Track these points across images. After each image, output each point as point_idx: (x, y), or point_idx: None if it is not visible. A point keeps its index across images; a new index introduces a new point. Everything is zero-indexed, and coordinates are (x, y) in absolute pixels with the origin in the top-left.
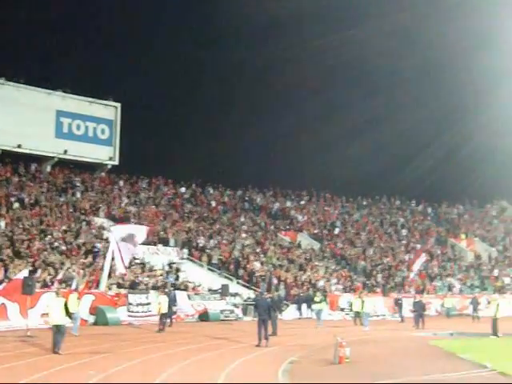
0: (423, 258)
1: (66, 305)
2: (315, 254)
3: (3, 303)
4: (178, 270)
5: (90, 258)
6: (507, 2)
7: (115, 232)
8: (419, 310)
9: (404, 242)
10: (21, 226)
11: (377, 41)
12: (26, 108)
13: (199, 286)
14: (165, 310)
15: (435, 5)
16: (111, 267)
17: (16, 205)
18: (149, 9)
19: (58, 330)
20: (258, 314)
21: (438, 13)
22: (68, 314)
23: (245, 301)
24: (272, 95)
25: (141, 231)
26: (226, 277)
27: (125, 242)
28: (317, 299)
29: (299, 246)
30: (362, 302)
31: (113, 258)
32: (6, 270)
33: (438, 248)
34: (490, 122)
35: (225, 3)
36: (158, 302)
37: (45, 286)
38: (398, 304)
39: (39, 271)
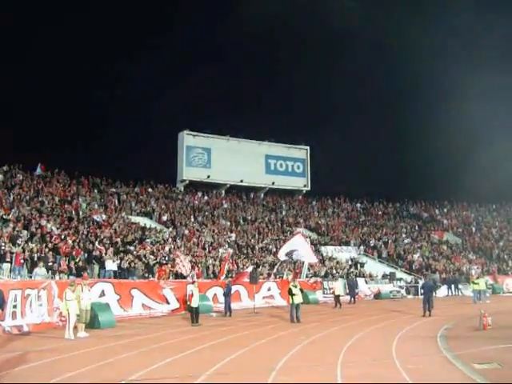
0: None
1: (301, 290)
2: (458, 248)
3: (237, 289)
4: (357, 262)
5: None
6: None
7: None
8: None
9: None
10: (245, 236)
11: None
12: (245, 155)
13: (373, 274)
14: (338, 292)
15: None
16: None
17: (241, 222)
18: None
19: (298, 308)
20: (424, 293)
21: None
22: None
23: (407, 283)
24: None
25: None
26: (392, 266)
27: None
28: (481, 282)
29: (446, 242)
30: (485, 281)
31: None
32: (237, 266)
33: None
34: None
35: None
36: (332, 286)
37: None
38: None
39: (260, 267)
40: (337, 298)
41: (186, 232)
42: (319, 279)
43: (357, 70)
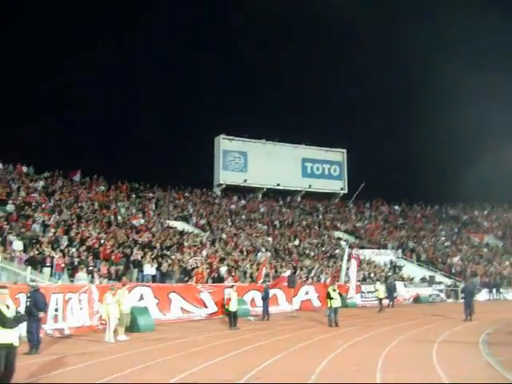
0: None
1: (340, 294)
2: (499, 251)
3: (275, 293)
4: (395, 265)
5: (332, 261)
6: None
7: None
8: None
9: None
10: (282, 240)
11: None
12: (281, 158)
13: (412, 277)
14: (382, 295)
15: None
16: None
17: (278, 225)
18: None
19: (336, 311)
20: (465, 297)
21: None
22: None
23: (447, 287)
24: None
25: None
26: (431, 270)
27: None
28: None
29: (486, 244)
30: None
31: (348, 260)
32: (275, 270)
33: None
34: None
35: None
36: (376, 289)
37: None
38: None
39: (298, 271)
40: (380, 301)
41: (224, 236)
42: (358, 283)
43: (395, 71)
